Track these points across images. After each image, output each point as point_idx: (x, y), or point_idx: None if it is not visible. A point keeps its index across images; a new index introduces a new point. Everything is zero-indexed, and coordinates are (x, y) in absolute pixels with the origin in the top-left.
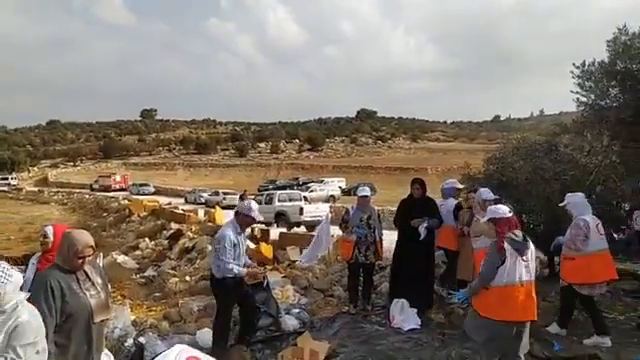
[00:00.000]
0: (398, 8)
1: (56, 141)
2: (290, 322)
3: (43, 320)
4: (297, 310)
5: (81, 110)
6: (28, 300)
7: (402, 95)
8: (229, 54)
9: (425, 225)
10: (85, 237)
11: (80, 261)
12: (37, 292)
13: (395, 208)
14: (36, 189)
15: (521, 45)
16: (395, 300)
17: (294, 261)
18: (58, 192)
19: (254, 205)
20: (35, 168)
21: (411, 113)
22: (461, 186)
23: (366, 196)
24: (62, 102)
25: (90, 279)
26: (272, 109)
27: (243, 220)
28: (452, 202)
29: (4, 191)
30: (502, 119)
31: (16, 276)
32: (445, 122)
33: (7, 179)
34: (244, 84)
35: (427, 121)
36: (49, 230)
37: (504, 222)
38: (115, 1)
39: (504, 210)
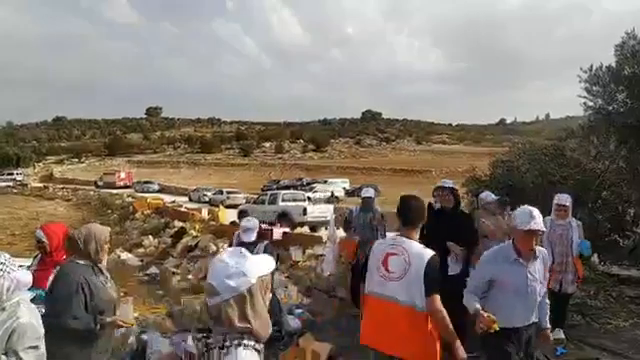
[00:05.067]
0: (402, 11)
1: (62, 137)
2: (292, 322)
3: (87, 322)
4: (299, 310)
5: (87, 107)
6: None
7: (407, 97)
8: (234, 54)
9: (455, 260)
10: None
11: (101, 254)
12: (69, 295)
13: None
14: (41, 185)
15: (527, 48)
16: None
17: (297, 261)
18: (63, 188)
19: None
20: (40, 164)
21: (416, 115)
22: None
23: (369, 197)
24: (69, 99)
25: (103, 272)
26: (277, 109)
27: None
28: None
29: (10, 186)
30: (508, 122)
31: (20, 274)
32: (450, 125)
33: (13, 174)
34: (249, 84)
35: (432, 123)
36: (41, 235)
37: None
38: (122, 1)
39: None
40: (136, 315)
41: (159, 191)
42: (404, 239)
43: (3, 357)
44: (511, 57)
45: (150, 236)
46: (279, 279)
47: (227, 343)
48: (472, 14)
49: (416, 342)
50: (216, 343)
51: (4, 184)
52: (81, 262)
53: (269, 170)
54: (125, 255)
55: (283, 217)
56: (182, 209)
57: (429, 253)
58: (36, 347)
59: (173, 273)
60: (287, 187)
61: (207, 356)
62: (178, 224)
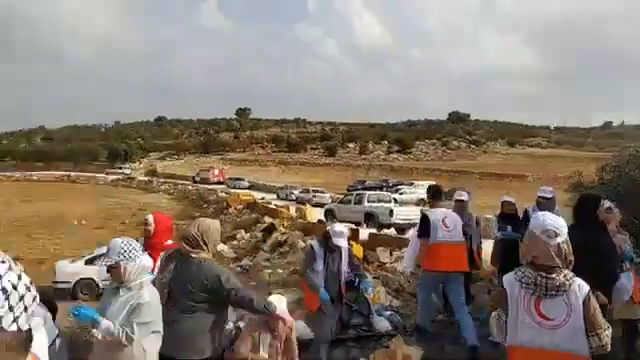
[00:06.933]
0: (490, 7)
1: (163, 136)
2: (382, 323)
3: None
4: (389, 312)
5: (184, 108)
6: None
7: (498, 98)
8: (317, 57)
9: None
10: None
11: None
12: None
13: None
14: (146, 179)
15: (630, 45)
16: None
17: (384, 263)
18: (165, 182)
19: None
20: (145, 160)
21: (508, 117)
22: (550, 196)
23: (463, 200)
24: (168, 100)
25: None
26: (360, 110)
27: None
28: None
29: (119, 179)
30: (615, 125)
31: (144, 259)
32: (548, 127)
33: (122, 169)
34: (333, 86)
35: (527, 126)
36: (150, 218)
37: None
38: (211, 7)
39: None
40: None
41: (249, 188)
42: (447, 209)
43: (119, 327)
44: (613, 55)
45: (242, 230)
46: (368, 279)
47: (568, 277)
48: (569, 8)
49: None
50: (561, 279)
51: (115, 177)
52: (202, 256)
53: (353, 170)
54: (221, 246)
55: (369, 218)
56: (271, 206)
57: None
58: (149, 324)
59: (264, 267)
60: (373, 188)
61: (558, 289)
62: (268, 220)
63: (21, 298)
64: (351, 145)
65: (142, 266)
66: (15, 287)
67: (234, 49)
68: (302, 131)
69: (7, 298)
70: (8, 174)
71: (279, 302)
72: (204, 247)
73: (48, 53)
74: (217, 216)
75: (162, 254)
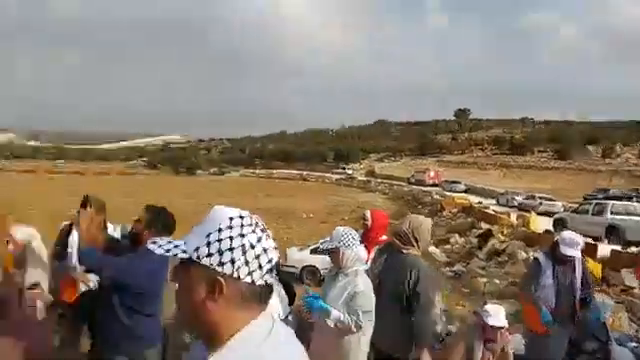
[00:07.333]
0: None
1: (382, 138)
2: (623, 354)
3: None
4: (634, 344)
5: (402, 109)
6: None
7: None
8: (551, 47)
9: None
10: None
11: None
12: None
13: None
14: (365, 179)
15: None
16: None
17: (631, 287)
18: (382, 183)
19: None
20: (365, 161)
21: None
22: None
23: None
24: (386, 102)
25: None
26: (606, 106)
27: None
28: None
29: (342, 179)
30: None
31: (360, 249)
32: None
33: (344, 169)
34: (570, 78)
35: None
36: (367, 213)
37: None
38: (430, 4)
39: None
40: (443, 306)
41: (465, 191)
42: None
43: (349, 317)
44: None
45: (456, 234)
46: (608, 302)
47: None
48: None
49: None
50: None
51: (338, 177)
52: (411, 252)
53: (593, 177)
54: (432, 248)
55: (612, 232)
56: (489, 211)
57: None
58: (368, 313)
59: (479, 275)
60: (618, 197)
61: None
62: (484, 226)
63: (257, 257)
64: (591, 147)
65: (358, 255)
66: (253, 246)
67: (456, 45)
68: (528, 131)
69: (244, 253)
70: (257, 171)
71: (496, 312)
72: (414, 243)
73: (287, 66)
74: (431, 218)
75: (376, 247)
